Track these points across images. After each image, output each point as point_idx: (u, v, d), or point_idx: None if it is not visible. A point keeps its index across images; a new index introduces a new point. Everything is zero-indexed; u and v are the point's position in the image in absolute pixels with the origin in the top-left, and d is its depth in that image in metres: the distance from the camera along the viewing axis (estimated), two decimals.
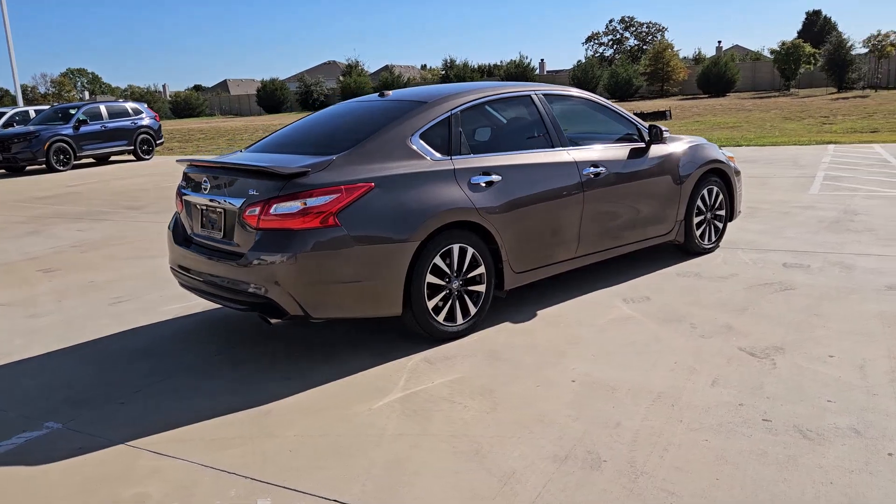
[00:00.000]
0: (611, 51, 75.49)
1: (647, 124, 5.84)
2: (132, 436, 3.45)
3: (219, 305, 4.75)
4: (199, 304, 5.58)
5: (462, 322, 4.51)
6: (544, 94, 5.31)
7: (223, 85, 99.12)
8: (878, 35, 43.10)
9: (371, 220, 4.06)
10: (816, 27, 76.06)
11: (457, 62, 64.36)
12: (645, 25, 75.02)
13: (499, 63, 73.21)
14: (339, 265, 4.00)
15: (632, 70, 55.92)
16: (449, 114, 4.65)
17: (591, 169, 5.20)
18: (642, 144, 5.70)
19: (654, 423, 3.28)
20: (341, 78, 70.46)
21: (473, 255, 4.49)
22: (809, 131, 18.29)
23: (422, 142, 4.46)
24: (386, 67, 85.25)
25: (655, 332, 4.44)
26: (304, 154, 4.41)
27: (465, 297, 4.51)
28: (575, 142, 5.33)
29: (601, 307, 5.01)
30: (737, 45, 77.14)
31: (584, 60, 61.20)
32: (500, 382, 3.83)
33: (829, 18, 77.03)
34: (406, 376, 3.98)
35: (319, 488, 2.90)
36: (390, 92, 5.23)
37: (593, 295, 5.30)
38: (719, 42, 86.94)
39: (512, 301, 5.17)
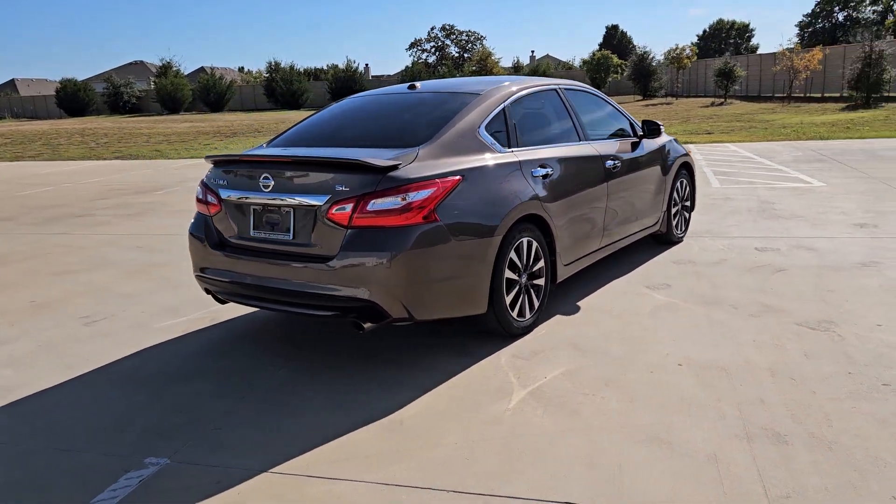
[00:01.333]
0: (433, 57, 77.28)
1: (637, 120, 6.10)
2: (270, 462, 3.05)
3: (274, 311, 4.30)
4: (203, 317, 5.04)
5: (529, 317, 4.45)
6: (566, 89, 5.39)
7: (11, 85, 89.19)
8: (676, 48, 47.83)
9: (463, 215, 3.90)
10: (615, 40, 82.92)
11: (282, 65, 62.74)
12: (465, 34, 77.64)
13: (324, 67, 72.38)
14: (441, 262, 3.80)
15: (457, 76, 57.69)
16: (503, 105, 4.58)
17: (611, 162, 5.35)
18: (636, 139, 5.94)
19: (794, 398, 3.44)
20: (155, 79, 66.15)
21: (536, 249, 4.45)
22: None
23: (487, 133, 4.35)
24: (202, 69, 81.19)
25: (708, 315, 4.66)
26: (367, 147, 4.14)
27: (531, 291, 4.46)
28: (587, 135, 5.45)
29: (632, 295, 5.15)
30: (548, 55, 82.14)
31: (411, 66, 62.12)
32: (613, 372, 3.83)
33: (626, 32, 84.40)
34: (512, 373, 3.86)
35: (535, 491, 2.75)
36: (419, 84, 5.04)
37: (613, 284, 5.45)
38: (532, 52, 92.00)
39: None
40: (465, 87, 4.83)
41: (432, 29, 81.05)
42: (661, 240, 6.59)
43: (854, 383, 3.56)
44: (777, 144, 15.74)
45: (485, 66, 57.51)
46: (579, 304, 5.02)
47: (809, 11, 72.27)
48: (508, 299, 4.23)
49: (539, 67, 57.16)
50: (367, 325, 3.78)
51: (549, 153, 4.72)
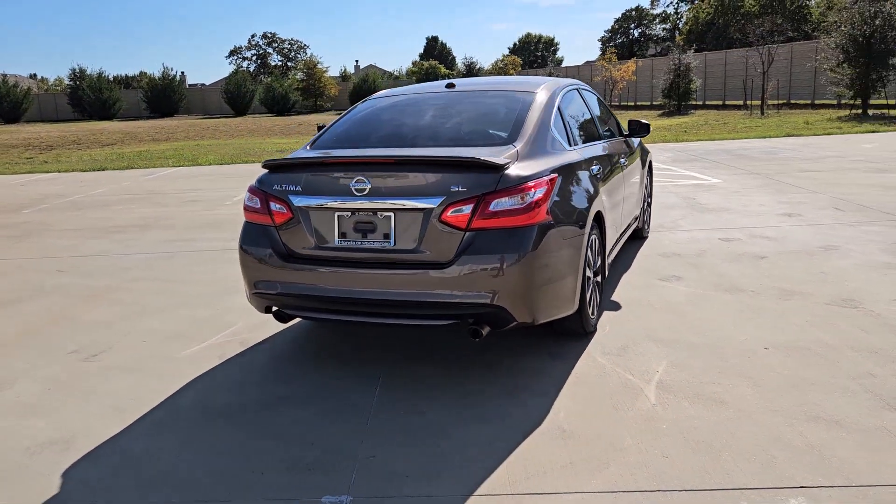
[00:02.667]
0: (255, 65, 74.81)
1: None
2: (466, 486, 2.82)
3: (360, 324, 3.95)
4: (228, 340, 4.54)
5: (595, 314, 4.47)
6: (581, 89, 5.47)
7: None
8: (503, 59, 50.10)
9: (562, 213, 3.83)
10: (436, 51, 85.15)
11: (88, 72, 57.76)
12: (287, 42, 75.96)
13: (137, 74, 67.74)
14: (554, 262, 3.70)
15: (286, 85, 56.37)
16: (557, 104, 4.56)
17: (623, 159, 5.51)
18: (624, 137, 6.16)
19: (894, 368, 3.74)
20: None
21: (598, 246, 4.48)
22: None
23: (556, 132, 4.31)
24: None
25: (742, 302, 4.92)
26: (452, 146, 3.96)
27: (595, 288, 4.48)
28: None
29: (655, 288, 5.32)
30: (372, 65, 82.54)
31: (236, 73, 59.69)
32: (715, 360, 3.92)
33: (445, 43, 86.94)
34: (621, 370, 3.84)
35: (764, 480, 2.76)
36: (455, 83, 4.87)
37: (626, 279, 5.60)
38: (357, 61, 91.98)
39: None
40: (509, 85, 4.75)
41: (253, 36, 78.44)
42: (635, 235, 6.86)
43: None
44: None
45: (313, 74, 56.60)
46: (613, 299, 5.11)
47: (609, 28, 78.71)
48: (588, 297, 4.22)
49: (368, 77, 57.23)
50: (485, 332, 3.61)
51: (593, 151, 4.76)
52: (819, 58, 25.89)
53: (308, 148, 4.35)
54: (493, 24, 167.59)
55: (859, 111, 23.80)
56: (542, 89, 4.59)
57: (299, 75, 60.13)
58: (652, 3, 75.62)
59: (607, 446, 3.06)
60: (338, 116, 4.73)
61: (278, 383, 3.89)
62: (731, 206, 8.53)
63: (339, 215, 3.72)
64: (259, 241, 3.94)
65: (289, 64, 74.56)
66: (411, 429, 3.30)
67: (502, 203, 3.51)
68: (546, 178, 3.71)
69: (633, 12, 75.45)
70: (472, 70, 52.85)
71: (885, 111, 23.90)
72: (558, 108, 4.52)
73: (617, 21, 76.73)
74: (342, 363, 4.14)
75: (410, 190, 3.59)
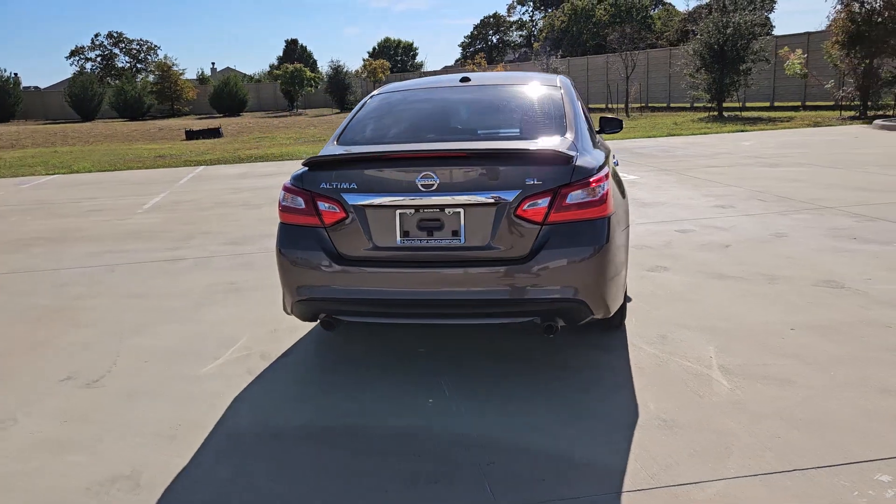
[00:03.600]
0: (100, 67, 69.86)
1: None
2: (613, 483, 2.76)
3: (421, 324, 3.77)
4: (247, 354, 4.20)
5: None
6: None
7: None
8: (371, 63, 49.82)
9: (618, 205, 3.85)
10: (296, 54, 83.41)
11: None
12: (136, 43, 71.52)
13: None
14: (619, 253, 3.71)
15: (140, 87, 53.18)
16: (576, 96, 4.57)
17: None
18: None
19: None
20: None
21: None
22: None
23: (588, 123, 4.33)
24: None
25: (736, 287, 5.16)
26: (504, 140, 3.88)
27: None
28: None
29: (650, 279, 5.48)
30: (229, 68, 79.51)
31: (81, 75, 55.45)
32: (753, 343, 4.09)
33: (306, 46, 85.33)
34: (678, 358, 3.91)
35: (890, 451, 2.91)
36: (471, 77, 4.76)
37: None
38: (213, 63, 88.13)
39: None
40: (523, 78, 4.71)
41: (97, 36, 73.12)
42: None
43: None
44: None
45: (168, 77, 53.65)
46: None
47: (469, 34, 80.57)
48: None
49: (229, 80, 55.00)
50: (559, 327, 3.55)
51: (606, 144, 4.83)
52: (680, 63, 27.76)
53: (336, 144, 4.10)
54: (346, 27, 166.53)
55: (716, 113, 25.76)
56: (558, 81, 4.58)
57: (151, 77, 56.85)
58: (508, 10, 78.26)
59: (717, 433, 3.10)
60: (354, 111, 4.48)
61: (340, 395, 3.63)
62: (663, 199, 8.95)
63: (400, 213, 3.53)
64: (304, 243, 3.66)
65: (138, 66, 70.24)
66: (514, 432, 3.18)
67: (577, 196, 3.46)
68: (607, 170, 3.72)
69: (491, 19, 77.67)
70: (339, 73, 52.14)
71: (738, 113, 26.06)
72: (581, 103, 4.54)
73: (476, 27, 78.71)
74: (387, 370, 3.92)
75: (482, 184, 3.46)
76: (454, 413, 3.37)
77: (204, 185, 12.71)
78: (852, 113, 21.54)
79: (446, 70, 49.74)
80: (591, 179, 3.50)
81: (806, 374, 3.64)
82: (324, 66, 56.29)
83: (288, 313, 3.86)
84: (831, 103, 24.91)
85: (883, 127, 17.02)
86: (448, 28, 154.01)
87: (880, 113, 20.85)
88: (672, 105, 32.69)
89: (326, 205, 3.60)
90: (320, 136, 24.73)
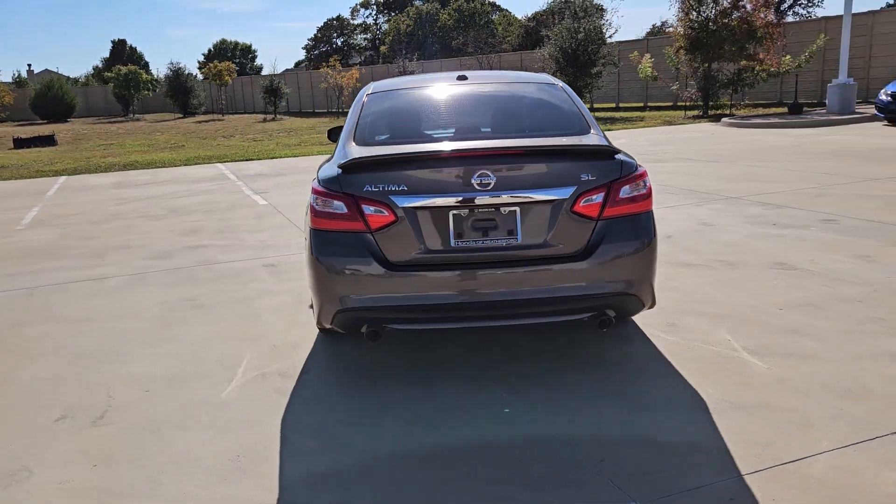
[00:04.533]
0: None
1: None
2: (725, 466, 2.83)
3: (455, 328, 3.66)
4: (267, 372, 3.91)
5: None
6: None
7: None
8: (215, 66, 47.57)
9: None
10: (125, 55, 78.28)
11: None
12: None
13: None
14: (657, 246, 3.80)
15: None
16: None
17: None
18: None
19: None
20: None
21: None
22: (267, 145, 20.09)
23: None
24: None
25: (704, 274, 5.47)
26: (527, 137, 3.86)
27: None
28: None
29: None
30: (48, 70, 73.06)
31: None
32: (757, 326, 4.34)
33: (135, 47, 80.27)
34: (699, 344, 4.08)
35: None
36: (468, 75, 4.67)
37: None
38: (29, 65, 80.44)
39: None
40: (521, 76, 4.71)
41: None
42: None
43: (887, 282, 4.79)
44: None
45: None
46: None
47: (313, 36, 79.24)
48: None
49: (53, 83, 50.46)
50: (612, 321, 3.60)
51: None
52: (537, 67, 28.91)
53: (354, 144, 3.87)
54: (174, 29, 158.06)
55: None
56: (553, 81, 4.63)
57: None
58: (352, 13, 77.85)
59: (785, 410, 3.26)
60: (357, 110, 4.25)
61: (399, 410, 3.45)
62: None
63: (454, 214, 3.41)
64: (347, 250, 3.45)
65: None
66: (602, 429, 3.18)
67: (627, 190, 3.52)
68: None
69: (335, 22, 76.90)
70: (180, 76, 49.38)
71: (592, 113, 27.59)
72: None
73: (320, 30, 77.58)
74: (430, 381, 3.79)
75: (539, 181, 3.43)
76: (533, 419, 3.30)
77: (79, 196, 11.61)
78: (696, 112, 23.45)
79: (308, 73, 48.75)
80: (637, 174, 3.57)
81: (820, 349, 3.92)
82: (157, 69, 53.09)
83: (324, 326, 3.62)
84: (671, 104, 27.05)
85: (732, 124, 18.68)
86: (286, 31, 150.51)
87: (719, 112, 22.87)
88: None
89: (372, 208, 3.41)
90: (174, 142, 23.48)
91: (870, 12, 23.49)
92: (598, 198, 3.45)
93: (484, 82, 4.56)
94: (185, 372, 4.01)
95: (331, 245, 3.48)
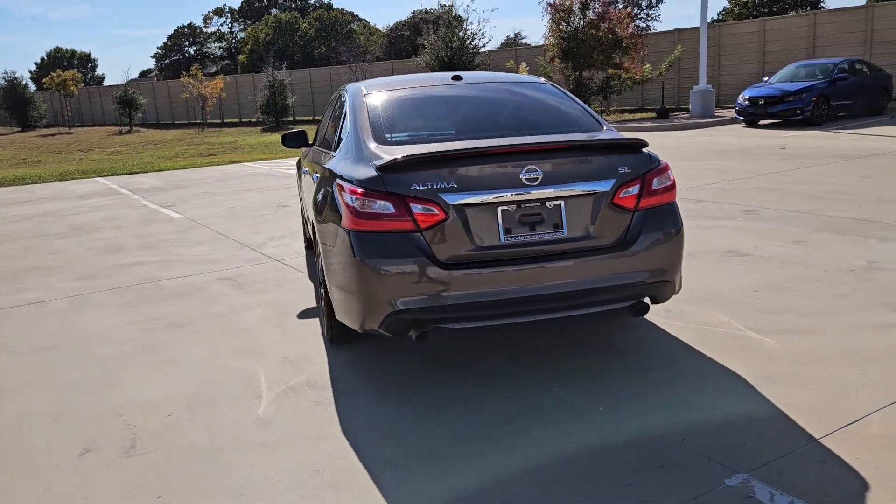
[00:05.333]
0: None
1: None
2: (805, 438, 3.03)
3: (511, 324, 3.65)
4: (297, 384, 3.74)
5: None
6: None
7: None
8: (59, 75, 44.19)
9: None
10: None
11: None
12: None
13: None
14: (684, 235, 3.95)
15: None
16: None
17: None
18: None
19: (880, 280, 4.95)
20: None
21: None
22: (144, 158, 19.02)
23: None
24: None
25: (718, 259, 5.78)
26: (553, 133, 3.93)
27: None
28: None
29: None
30: None
31: None
32: (744, 307, 4.64)
33: None
34: (706, 327, 4.31)
35: None
36: (462, 75, 4.66)
37: None
38: None
39: None
40: (510, 76, 4.79)
41: None
42: None
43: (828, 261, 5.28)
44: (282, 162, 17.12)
45: None
46: None
47: (163, 44, 75.46)
48: None
49: None
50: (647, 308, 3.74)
51: None
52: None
53: (376, 145, 3.77)
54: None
55: None
56: (545, 81, 4.74)
57: None
58: (205, 21, 74.91)
59: (815, 379, 3.52)
60: (364, 112, 4.13)
61: (457, 414, 3.40)
62: None
63: (503, 210, 3.42)
64: (395, 251, 3.37)
65: None
66: (670, 414, 3.28)
67: (658, 181, 3.68)
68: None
69: (187, 29, 73.71)
70: (17, 86, 45.35)
71: None
72: None
73: (170, 38, 74.04)
74: (469, 385, 3.76)
75: (581, 175, 3.51)
76: (603, 414, 3.34)
77: None
78: None
79: (166, 83, 46.35)
80: (663, 166, 3.74)
81: (812, 324, 4.25)
82: None
83: (368, 330, 3.50)
84: None
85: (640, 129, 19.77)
86: (129, 39, 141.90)
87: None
88: None
89: (422, 206, 3.35)
90: (25, 157, 21.75)
91: (716, 24, 25.70)
92: (634, 189, 3.57)
93: (482, 82, 4.59)
94: (203, 393, 3.73)
95: (378, 246, 3.38)
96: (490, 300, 3.39)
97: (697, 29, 22.33)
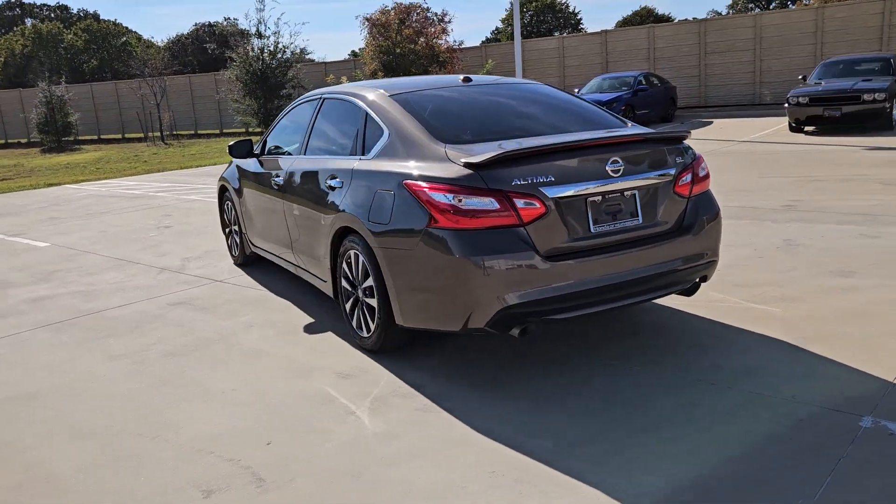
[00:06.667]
0: None
1: None
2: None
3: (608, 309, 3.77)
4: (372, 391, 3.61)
5: None
6: None
7: None
8: None
9: None
10: None
11: None
12: None
13: None
14: None
15: None
16: None
17: None
18: None
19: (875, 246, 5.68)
20: None
21: None
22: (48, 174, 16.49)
23: None
24: None
25: None
26: (534, 136, 4.02)
27: None
28: None
29: None
30: None
31: None
32: (722, 287, 5.18)
33: None
34: (720, 301, 4.76)
35: None
36: (472, 77, 4.68)
37: None
38: None
39: None
40: (531, 82, 4.93)
41: None
42: None
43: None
44: (68, 188, 15.80)
45: None
46: None
47: None
48: None
49: None
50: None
51: None
52: (223, 90, 27.84)
53: (440, 144, 3.73)
54: None
55: None
56: (548, 82, 4.96)
57: None
58: None
59: (844, 336, 3.99)
60: (401, 112, 4.03)
61: (559, 424, 3.46)
62: None
63: (590, 201, 3.57)
64: (503, 246, 3.38)
65: None
66: (750, 374, 3.61)
67: (700, 170, 4.03)
68: None
69: None
70: None
71: None
72: None
73: None
74: (538, 394, 3.84)
75: (650, 166, 3.76)
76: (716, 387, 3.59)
77: None
78: None
79: None
80: (700, 157, 4.10)
81: (794, 292, 4.82)
82: None
83: (470, 329, 3.46)
84: None
85: None
86: None
87: None
88: (225, 131, 32.54)
89: (524, 201, 3.40)
90: None
91: (523, 40, 27.51)
92: (687, 178, 3.89)
93: (493, 84, 4.70)
94: (283, 416, 3.44)
95: (484, 243, 3.37)
96: (588, 289, 3.51)
97: (503, 44, 23.82)
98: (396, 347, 4.08)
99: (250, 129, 29.01)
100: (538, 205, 3.41)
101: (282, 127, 5.71)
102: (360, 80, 24.35)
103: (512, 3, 16.13)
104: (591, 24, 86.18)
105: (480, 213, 3.36)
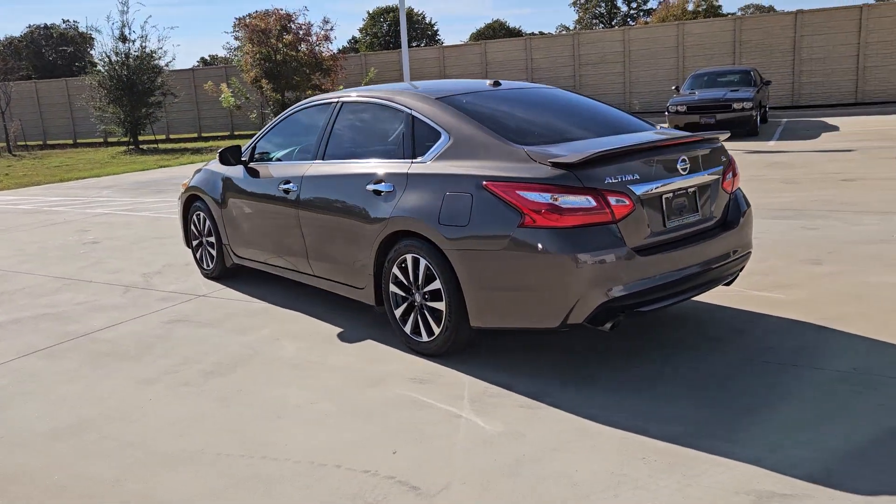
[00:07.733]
0: None
1: None
2: None
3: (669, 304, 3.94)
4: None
5: None
6: None
7: None
8: None
9: None
10: None
11: None
12: None
13: None
14: None
15: None
16: None
17: None
18: None
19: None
20: None
21: None
22: None
23: None
24: None
25: None
26: (592, 137, 4.19)
27: None
28: None
29: None
30: None
31: None
32: None
33: None
34: (735, 292, 5.10)
35: None
36: (501, 82, 4.73)
37: None
38: None
39: None
40: (538, 85, 5.06)
41: None
42: None
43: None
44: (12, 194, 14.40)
45: None
46: None
47: None
48: None
49: None
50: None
51: None
52: (83, 97, 25.85)
53: (511, 144, 3.81)
54: None
55: (132, 146, 25.05)
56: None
57: None
58: None
59: (856, 315, 4.43)
60: (459, 114, 4.04)
61: (661, 384, 3.61)
62: None
63: (665, 197, 3.77)
64: (600, 242, 3.51)
65: None
66: (796, 352, 3.94)
67: (735, 169, 4.35)
68: None
69: None
70: None
71: (156, 145, 25.97)
72: None
73: None
74: (586, 365, 3.99)
75: (705, 164, 4.02)
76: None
77: None
78: None
79: None
80: (732, 157, 4.42)
81: (788, 279, 5.25)
82: None
83: (570, 324, 3.53)
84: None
85: None
86: None
87: None
88: (79, 141, 30.11)
89: (616, 199, 3.55)
90: None
91: (408, 49, 27.67)
92: (730, 175, 4.20)
93: (522, 88, 4.82)
94: (388, 426, 3.34)
95: (584, 240, 3.47)
96: (671, 281, 3.71)
97: (384, 52, 23.92)
98: (460, 350, 4.07)
99: (110, 140, 27.20)
100: (627, 202, 3.56)
101: (278, 134, 5.49)
102: (235, 87, 23.50)
103: (399, 11, 16.26)
104: (447, 37, 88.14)
105: (578, 212, 3.45)
